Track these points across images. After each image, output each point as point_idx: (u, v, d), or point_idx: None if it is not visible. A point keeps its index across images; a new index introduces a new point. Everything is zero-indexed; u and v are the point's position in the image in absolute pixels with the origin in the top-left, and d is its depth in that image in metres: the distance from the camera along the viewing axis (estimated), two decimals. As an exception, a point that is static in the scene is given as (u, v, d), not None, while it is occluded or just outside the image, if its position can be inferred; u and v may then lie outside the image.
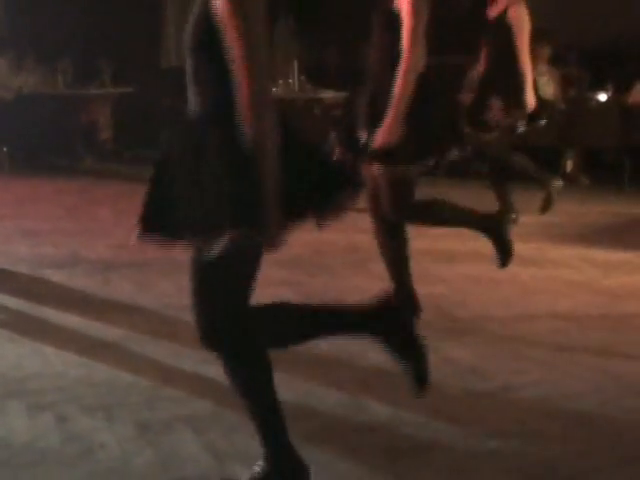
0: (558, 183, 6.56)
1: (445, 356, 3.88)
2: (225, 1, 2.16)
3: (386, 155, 4.01)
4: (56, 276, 5.34)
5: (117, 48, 11.41)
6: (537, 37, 6.23)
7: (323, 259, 5.70)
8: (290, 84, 9.62)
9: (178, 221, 2.31)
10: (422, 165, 4.16)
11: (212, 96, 2.30)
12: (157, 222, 2.35)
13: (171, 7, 12.20)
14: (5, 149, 10.21)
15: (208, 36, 2.23)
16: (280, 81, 9.50)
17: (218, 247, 2.23)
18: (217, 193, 2.24)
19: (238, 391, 2.48)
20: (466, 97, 4.70)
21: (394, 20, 3.91)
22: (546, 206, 6.59)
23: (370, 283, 5.12)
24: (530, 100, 5.93)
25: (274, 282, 4.65)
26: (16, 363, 3.86)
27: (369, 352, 3.95)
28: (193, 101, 2.37)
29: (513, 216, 6.29)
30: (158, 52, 12.23)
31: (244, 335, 2.45)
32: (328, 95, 9.56)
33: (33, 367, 3.82)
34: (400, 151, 3.98)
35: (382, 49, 4.05)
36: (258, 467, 2.56)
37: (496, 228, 4.17)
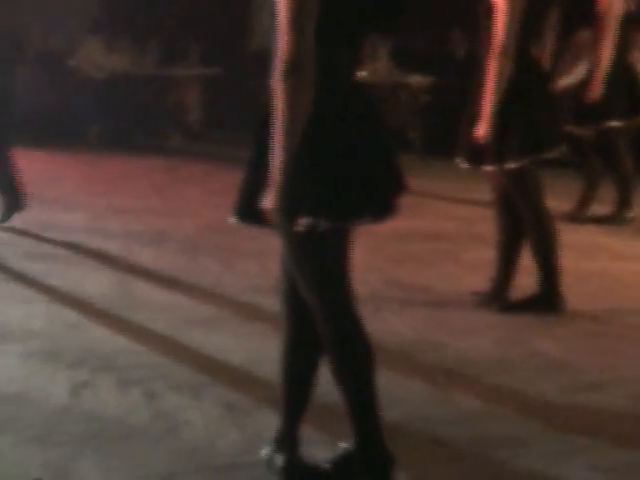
0: (630, 216, 6.34)
1: (534, 349, 3.83)
2: None
3: (487, 151, 4.04)
4: (145, 253, 5.42)
5: (205, 30, 11.50)
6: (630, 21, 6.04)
7: (408, 246, 5.66)
8: (378, 68, 9.57)
9: (280, 198, 2.28)
10: (534, 159, 4.16)
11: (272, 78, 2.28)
12: (253, 204, 2.34)
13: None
14: (96, 127, 10.40)
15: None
16: (368, 65, 9.45)
17: (317, 230, 2.23)
18: (317, 176, 2.23)
19: (336, 375, 2.46)
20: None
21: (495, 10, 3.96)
22: (602, 221, 6.34)
23: (458, 271, 5.10)
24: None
25: (360, 268, 4.62)
26: (106, 338, 3.93)
27: (455, 341, 3.94)
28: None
29: (631, 215, 6.18)
30: (246, 34, 12.28)
31: (349, 320, 2.43)
32: (415, 80, 9.49)
33: (122, 343, 3.88)
34: (503, 146, 4.00)
35: (486, 38, 4.05)
36: (343, 449, 2.56)
37: None
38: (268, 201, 2.21)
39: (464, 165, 4.27)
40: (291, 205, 2.20)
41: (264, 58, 2.38)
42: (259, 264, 5.04)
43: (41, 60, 10.80)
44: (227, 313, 4.32)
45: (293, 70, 2.14)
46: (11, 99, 6.12)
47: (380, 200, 2.39)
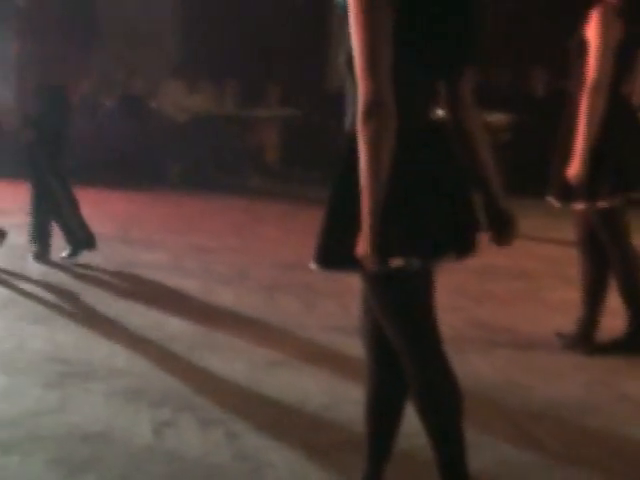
0: None
1: (623, 392, 3.72)
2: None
3: (578, 189, 3.98)
4: (224, 293, 5.44)
5: (284, 71, 11.65)
6: None
7: (491, 285, 5.57)
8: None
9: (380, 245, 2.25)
10: (626, 197, 4.08)
11: (353, 120, 2.26)
12: (335, 247, 2.31)
13: (337, 30, 12.36)
14: (177, 167, 10.58)
15: (350, 61, 2.21)
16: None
17: (403, 271, 2.20)
18: (403, 215, 2.20)
19: (423, 419, 2.40)
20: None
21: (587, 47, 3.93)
22: None
23: (543, 312, 4.99)
24: None
25: (441, 308, 4.56)
26: (187, 378, 3.93)
27: (541, 384, 3.84)
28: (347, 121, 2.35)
29: None
30: (324, 74, 12.39)
31: (437, 362, 2.38)
32: (495, 118, 9.41)
33: (203, 382, 3.88)
34: (595, 184, 3.94)
35: (577, 75, 4.01)
36: None
37: None
38: (360, 245, 2.18)
39: (555, 203, 4.21)
40: (380, 247, 2.17)
41: (341, 99, 2.37)
42: (339, 303, 5.01)
43: (124, 103, 11.07)
44: (307, 353, 4.28)
45: (374, 113, 2.12)
46: (63, 135, 6.22)
47: (463, 237, 2.35)
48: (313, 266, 2.32)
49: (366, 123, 2.12)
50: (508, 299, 5.31)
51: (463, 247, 2.35)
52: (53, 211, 6.25)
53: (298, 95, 11.52)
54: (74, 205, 6.26)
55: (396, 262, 2.19)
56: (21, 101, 6.17)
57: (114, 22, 12.97)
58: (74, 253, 6.22)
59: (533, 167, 8.83)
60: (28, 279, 5.73)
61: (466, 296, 5.27)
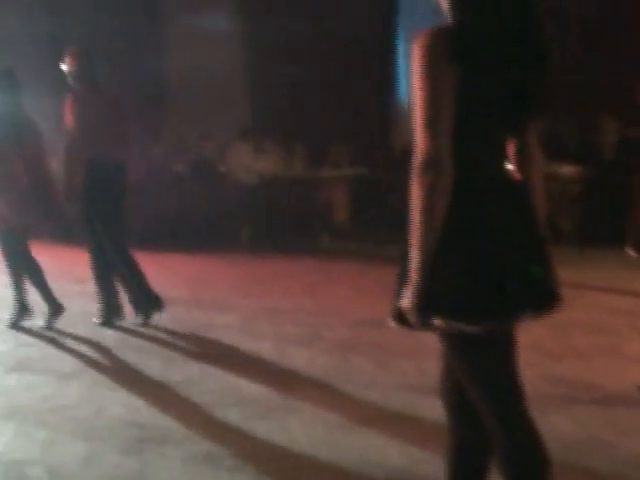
0: None
1: None
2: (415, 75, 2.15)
3: None
4: (298, 354, 5.43)
5: (351, 130, 11.74)
6: None
7: (569, 340, 5.45)
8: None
9: (437, 304, 2.22)
10: None
11: None
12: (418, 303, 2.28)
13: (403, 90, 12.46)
14: (247, 230, 10.68)
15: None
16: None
17: (483, 330, 2.16)
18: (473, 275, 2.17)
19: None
20: None
21: None
22: None
23: (624, 366, 4.86)
24: None
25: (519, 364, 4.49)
26: (264, 441, 3.92)
27: (626, 441, 3.72)
28: None
29: None
30: (391, 133, 12.45)
31: (522, 425, 2.32)
32: (565, 170, 9.31)
33: (281, 445, 3.86)
34: None
35: None
36: None
37: None
38: (405, 298, 2.17)
39: (633, 254, 4.13)
40: (455, 307, 2.15)
41: (408, 157, 2.38)
42: (414, 362, 4.95)
43: (195, 167, 11.27)
44: (383, 414, 4.23)
45: (430, 167, 2.12)
46: (120, 205, 6.39)
47: (540, 294, 2.31)
48: (391, 323, 2.30)
49: (420, 178, 2.13)
50: (587, 354, 5.19)
51: (542, 303, 2.31)
52: (117, 276, 6.38)
53: (365, 154, 11.58)
54: (134, 270, 6.34)
55: (439, 321, 2.16)
56: (68, 175, 6.32)
57: (184, 87, 13.32)
58: (145, 316, 6.32)
59: (607, 218, 8.71)
60: (103, 345, 5.80)
61: (543, 352, 5.16)
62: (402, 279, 2.28)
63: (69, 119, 6.27)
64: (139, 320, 6.33)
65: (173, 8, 13.58)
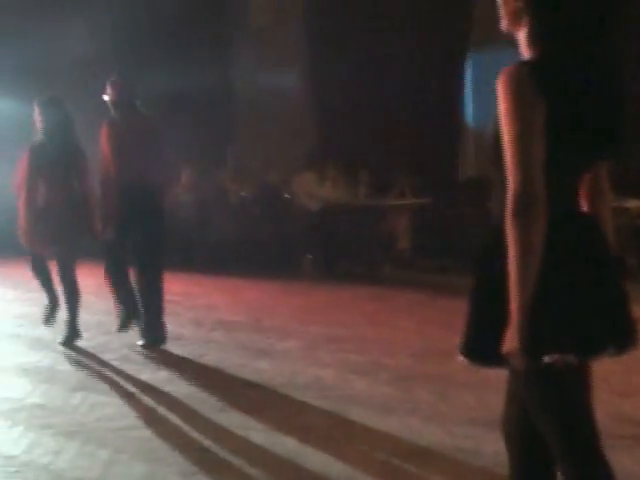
0: None
1: None
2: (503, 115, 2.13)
3: None
4: (359, 383, 5.40)
5: (415, 160, 11.72)
6: None
7: (636, 378, 5.32)
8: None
9: (549, 341, 2.18)
10: None
11: (500, 210, 2.23)
12: (483, 340, 2.25)
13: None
14: (310, 256, 10.71)
15: (496, 151, 2.19)
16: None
17: (563, 366, 2.12)
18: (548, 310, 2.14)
19: None
20: None
21: None
22: None
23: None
24: None
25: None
26: (325, 467, 3.89)
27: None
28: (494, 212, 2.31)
29: None
30: (455, 164, 12.40)
31: (597, 463, 2.27)
32: (634, 204, 9.16)
33: (341, 473, 3.83)
34: None
35: None
36: None
37: None
38: (509, 341, 2.13)
39: None
40: (534, 342, 2.11)
41: (473, 187, 2.36)
42: (476, 395, 4.88)
43: (260, 193, 11.36)
44: (445, 446, 4.17)
45: (525, 207, 2.09)
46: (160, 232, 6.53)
47: (622, 330, 2.27)
48: (460, 358, 2.27)
49: (517, 217, 2.10)
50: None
51: (623, 340, 2.26)
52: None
53: (430, 184, 11.55)
54: (155, 297, 6.40)
55: (549, 359, 2.12)
56: (104, 204, 6.42)
57: (252, 115, 13.47)
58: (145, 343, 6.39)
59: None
60: (164, 368, 5.84)
61: (610, 389, 5.04)
62: (477, 315, 2.26)
63: (106, 145, 6.39)
64: (139, 343, 6.40)
65: (243, 38, 13.77)
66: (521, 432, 2.38)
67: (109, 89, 6.45)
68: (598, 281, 2.22)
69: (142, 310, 6.37)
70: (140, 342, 6.40)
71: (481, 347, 2.24)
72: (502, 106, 2.14)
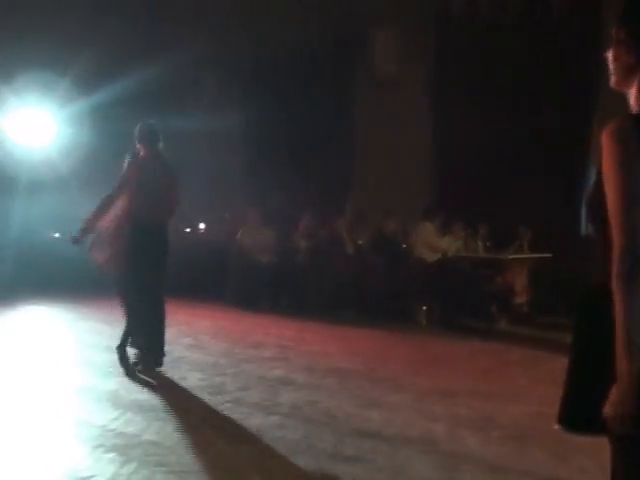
0: None
1: None
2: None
3: None
4: (471, 439, 5.29)
5: (536, 214, 11.55)
6: None
7: None
8: None
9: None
10: None
11: (600, 268, 2.16)
12: (582, 406, 2.18)
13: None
14: (425, 308, 10.64)
15: (597, 209, 2.14)
16: None
17: None
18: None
19: None
20: None
21: None
22: None
23: None
24: None
25: None
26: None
27: None
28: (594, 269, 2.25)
29: None
30: (577, 219, 12.16)
31: None
32: None
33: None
34: None
35: None
36: None
37: None
38: (612, 405, 2.06)
39: None
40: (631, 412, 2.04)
41: (592, 243, 2.30)
42: (594, 459, 4.71)
43: (378, 242, 11.40)
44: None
45: (634, 268, 2.03)
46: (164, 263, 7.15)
47: None
48: (557, 426, 2.21)
49: (623, 279, 2.04)
50: None
51: None
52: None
53: (549, 239, 11.35)
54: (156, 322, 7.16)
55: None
56: (94, 217, 7.02)
57: (371, 165, 13.59)
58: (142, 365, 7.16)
59: None
60: (276, 411, 5.87)
61: None
62: (574, 379, 2.19)
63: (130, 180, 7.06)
64: (136, 365, 7.16)
65: (367, 89, 13.94)
66: None
67: (140, 134, 7.17)
68: None
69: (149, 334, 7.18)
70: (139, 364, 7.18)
71: (577, 413, 2.18)
72: (606, 160, 2.09)
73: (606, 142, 2.10)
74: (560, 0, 12.06)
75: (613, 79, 2.30)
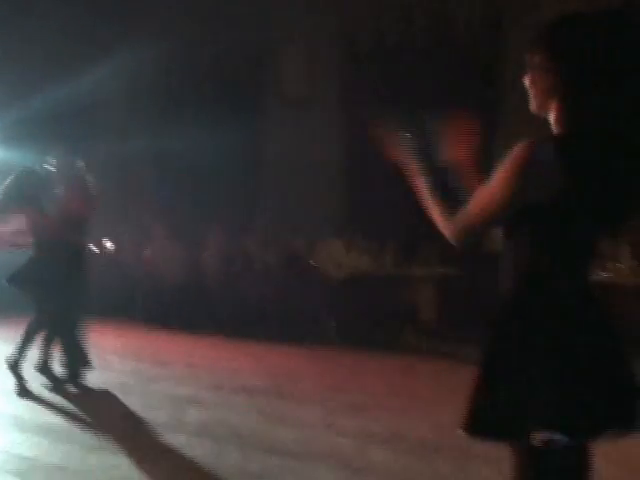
0: None
1: None
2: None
3: None
4: (379, 453, 5.33)
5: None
6: None
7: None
8: (620, 269, 9.27)
9: (510, 417, 2.17)
10: None
11: (510, 284, 2.23)
12: (483, 413, 2.23)
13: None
14: (333, 324, 10.67)
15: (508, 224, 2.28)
16: (609, 265, 9.19)
17: (562, 444, 2.09)
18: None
19: None
20: None
21: None
22: None
23: None
24: None
25: None
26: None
27: None
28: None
29: None
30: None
31: None
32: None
33: None
34: None
35: None
36: None
37: None
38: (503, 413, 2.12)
39: None
40: (529, 419, 2.09)
41: (498, 258, 2.37)
42: (497, 470, 4.79)
43: (286, 260, 11.40)
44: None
45: (460, 238, 2.40)
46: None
47: (623, 412, 2.22)
48: (459, 432, 2.25)
49: (452, 230, 2.39)
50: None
51: (626, 422, 2.22)
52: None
53: (456, 254, 11.52)
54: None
55: (540, 438, 2.10)
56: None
57: (279, 182, 13.60)
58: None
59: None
60: (183, 430, 5.81)
61: (634, 469, 4.95)
62: (479, 389, 2.24)
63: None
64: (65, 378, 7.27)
65: (274, 107, 13.96)
66: None
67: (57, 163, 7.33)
68: (597, 359, 2.19)
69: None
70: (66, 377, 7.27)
71: (478, 420, 2.23)
72: (503, 166, 2.15)
73: (511, 154, 2.14)
74: (465, 27, 12.24)
75: (533, 104, 2.33)
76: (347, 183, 13.36)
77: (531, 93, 2.33)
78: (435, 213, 2.38)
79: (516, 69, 2.42)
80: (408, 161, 2.50)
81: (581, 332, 2.17)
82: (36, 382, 7.21)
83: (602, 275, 9.05)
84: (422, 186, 2.45)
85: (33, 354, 7.23)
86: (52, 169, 7.32)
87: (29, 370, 7.22)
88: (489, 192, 2.18)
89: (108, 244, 14.14)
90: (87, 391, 7.11)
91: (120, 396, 6.87)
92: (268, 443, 5.54)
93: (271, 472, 4.86)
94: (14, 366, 7.16)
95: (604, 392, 2.16)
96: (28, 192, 7.12)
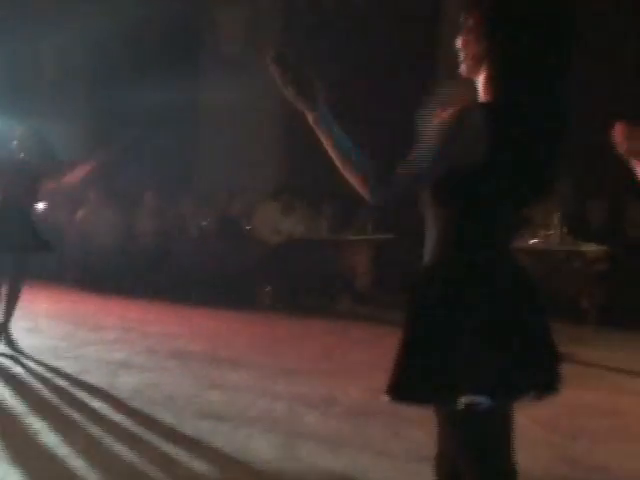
0: None
1: None
2: None
3: None
4: (311, 417, 5.38)
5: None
6: None
7: (583, 421, 5.36)
8: (551, 236, 9.44)
9: (433, 381, 2.21)
10: None
11: (431, 248, 2.26)
12: (407, 378, 2.26)
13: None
14: (268, 289, 10.69)
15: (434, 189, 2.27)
16: (541, 232, 9.34)
17: (484, 406, 2.13)
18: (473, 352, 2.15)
19: None
20: None
21: None
22: None
23: (638, 449, 4.78)
24: None
25: (532, 443, 4.44)
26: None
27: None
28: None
29: None
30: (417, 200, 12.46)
31: None
32: (590, 249, 9.26)
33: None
34: None
35: None
36: None
37: None
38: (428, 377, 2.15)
39: None
40: (452, 383, 2.13)
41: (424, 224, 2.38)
42: (427, 432, 4.82)
43: (221, 224, 11.35)
44: (393, 483, 4.17)
45: (380, 188, 2.31)
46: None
47: (543, 375, 2.28)
48: (384, 397, 2.28)
49: (370, 181, 2.30)
50: (602, 436, 5.08)
51: (544, 385, 2.28)
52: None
53: (391, 220, 11.59)
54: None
55: (464, 400, 2.14)
56: None
57: (217, 147, 13.48)
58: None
59: (630, 299, 8.64)
60: (116, 394, 5.78)
61: (558, 432, 5.08)
62: (402, 354, 2.26)
63: None
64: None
65: (208, 69, 13.81)
66: (448, 471, 2.39)
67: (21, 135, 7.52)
68: (520, 327, 2.23)
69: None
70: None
71: (403, 385, 2.25)
72: (440, 129, 2.14)
73: (448, 120, 2.13)
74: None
75: (462, 67, 2.31)
76: (285, 146, 13.30)
77: (462, 56, 2.32)
78: (350, 169, 2.34)
79: (453, 30, 2.38)
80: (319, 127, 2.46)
81: (502, 297, 2.21)
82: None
83: (534, 241, 9.21)
84: (332, 141, 2.40)
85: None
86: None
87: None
88: (415, 157, 2.18)
89: (40, 205, 13.88)
90: (18, 353, 7.02)
91: (52, 360, 6.80)
92: (201, 407, 5.55)
93: (202, 436, 4.86)
94: None
95: (525, 355, 2.21)
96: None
